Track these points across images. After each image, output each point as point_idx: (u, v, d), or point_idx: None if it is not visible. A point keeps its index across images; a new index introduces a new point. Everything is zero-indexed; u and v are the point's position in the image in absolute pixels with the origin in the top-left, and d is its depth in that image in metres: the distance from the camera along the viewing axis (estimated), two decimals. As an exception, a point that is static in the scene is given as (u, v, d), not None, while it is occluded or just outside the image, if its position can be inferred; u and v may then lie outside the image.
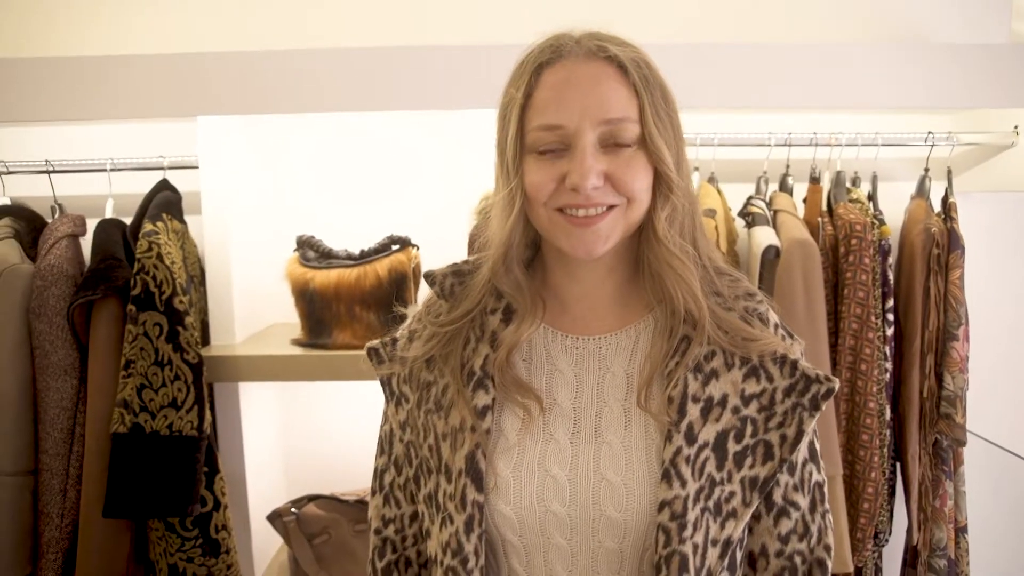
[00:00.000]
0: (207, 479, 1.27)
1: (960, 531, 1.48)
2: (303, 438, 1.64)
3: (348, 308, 1.36)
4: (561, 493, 0.72)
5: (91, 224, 1.34)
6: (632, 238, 0.75)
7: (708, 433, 0.71)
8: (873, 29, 1.50)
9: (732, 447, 0.72)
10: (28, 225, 1.36)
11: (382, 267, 1.36)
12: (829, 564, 0.77)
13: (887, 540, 1.43)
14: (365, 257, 1.38)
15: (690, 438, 0.70)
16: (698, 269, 0.74)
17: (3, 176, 1.39)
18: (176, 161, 1.39)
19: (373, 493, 0.85)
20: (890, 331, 1.38)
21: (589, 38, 0.71)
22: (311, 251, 1.41)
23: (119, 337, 1.24)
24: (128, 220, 1.35)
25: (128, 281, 1.23)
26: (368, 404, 1.09)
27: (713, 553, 0.71)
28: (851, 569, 1.33)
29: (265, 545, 1.53)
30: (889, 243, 1.36)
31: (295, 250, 1.43)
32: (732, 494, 0.71)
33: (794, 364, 0.74)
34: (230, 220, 1.38)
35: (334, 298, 1.36)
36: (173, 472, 1.20)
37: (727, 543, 0.71)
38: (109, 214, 1.37)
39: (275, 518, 1.42)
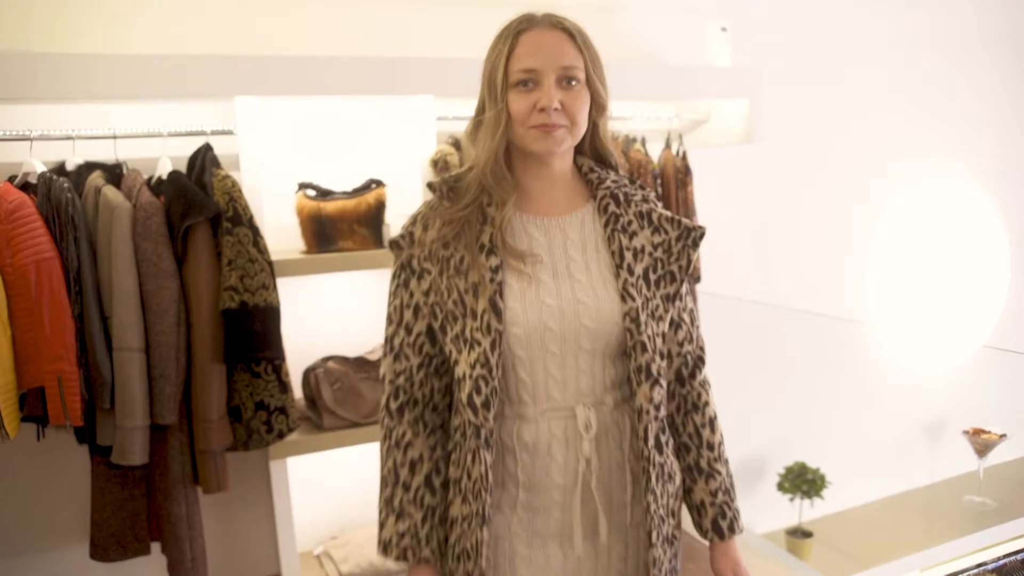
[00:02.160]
0: (277, 339, 1.84)
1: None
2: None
3: (349, 226, 2.01)
4: (554, 314, 1.01)
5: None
6: (570, 155, 1.08)
7: (639, 269, 1.04)
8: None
9: (652, 277, 1.05)
10: (108, 175, 1.81)
11: (371, 197, 2.03)
12: (705, 359, 1.17)
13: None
14: (358, 191, 2.06)
15: (631, 272, 1.03)
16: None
17: (76, 141, 1.77)
18: (216, 129, 1.86)
19: (385, 355, 1.10)
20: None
21: (549, 16, 1.02)
22: (311, 189, 2.00)
23: (213, 247, 1.77)
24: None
25: (214, 208, 1.77)
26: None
27: (657, 341, 1.04)
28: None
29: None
30: (658, 171, 2.38)
31: (298, 191, 1.98)
32: (658, 305, 1.05)
33: (678, 221, 1.09)
34: (260, 174, 1.94)
35: (339, 219, 1.99)
36: (271, 329, 1.77)
37: (661, 335, 1.05)
38: (168, 168, 1.85)
39: (309, 372, 2.02)
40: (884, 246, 3.32)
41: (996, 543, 3.12)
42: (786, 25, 2.88)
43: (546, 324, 1.01)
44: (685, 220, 1.11)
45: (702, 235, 1.10)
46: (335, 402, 2.00)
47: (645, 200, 1.12)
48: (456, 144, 2.13)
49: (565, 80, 1.01)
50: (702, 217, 2.46)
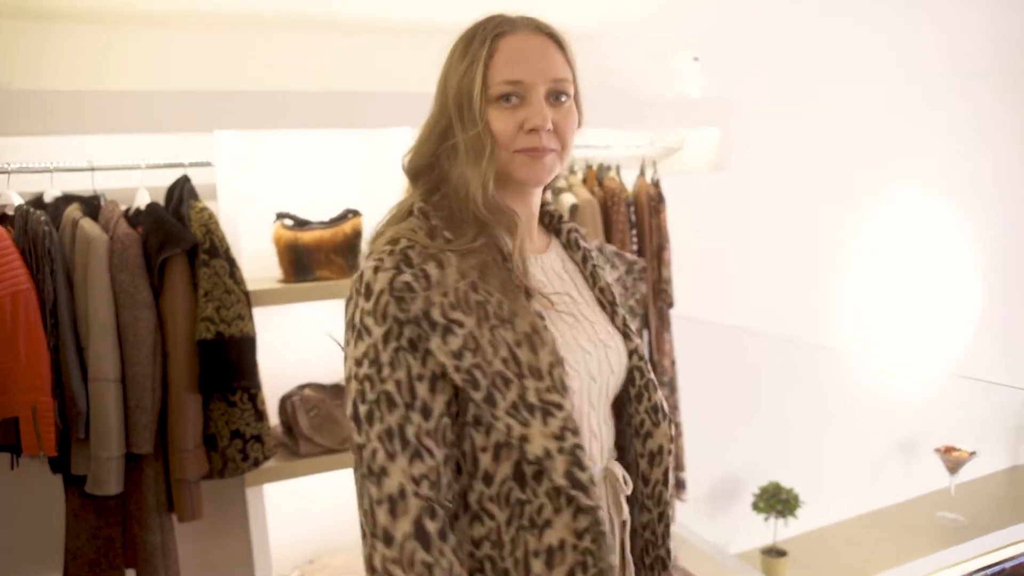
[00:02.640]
0: (253, 368, 1.87)
1: (672, 362, 2.59)
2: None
3: (326, 255, 2.04)
4: (594, 362, 0.88)
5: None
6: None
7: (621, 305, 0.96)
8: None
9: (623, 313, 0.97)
10: (86, 207, 1.84)
11: (348, 227, 2.06)
12: None
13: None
14: (334, 221, 2.09)
15: (621, 307, 0.95)
16: None
17: (53, 173, 1.78)
18: (194, 161, 1.88)
19: (390, 457, 0.76)
20: (617, 247, 2.43)
21: (530, 19, 0.88)
22: (289, 219, 2.02)
23: (190, 279, 1.80)
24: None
25: (191, 240, 1.80)
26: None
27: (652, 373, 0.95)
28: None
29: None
30: (631, 199, 2.43)
31: (276, 221, 2.00)
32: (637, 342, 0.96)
33: (623, 255, 1.05)
34: (237, 204, 1.97)
35: (316, 249, 2.03)
36: (247, 359, 1.79)
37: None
38: (145, 200, 1.88)
39: (285, 399, 2.05)
40: (855, 269, 3.38)
41: (968, 559, 3.18)
42: (755, 54, 2.95)
43: (591, 374, 0.88)
44: (626, 254, 1.06)
45: (643, 268, 1.06)
46: (311, 429, 2.02)
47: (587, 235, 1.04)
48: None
49: (554, 96, 0.87)
50: (676, 243, 2.51)
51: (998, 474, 3.87)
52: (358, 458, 0.79)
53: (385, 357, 0.78)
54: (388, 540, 0.76)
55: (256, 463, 1.86)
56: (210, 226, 1.81)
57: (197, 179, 1.93)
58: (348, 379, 0.81)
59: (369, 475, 0.77)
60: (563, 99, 0.88)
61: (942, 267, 3.62)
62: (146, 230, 1.80)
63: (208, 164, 1.94)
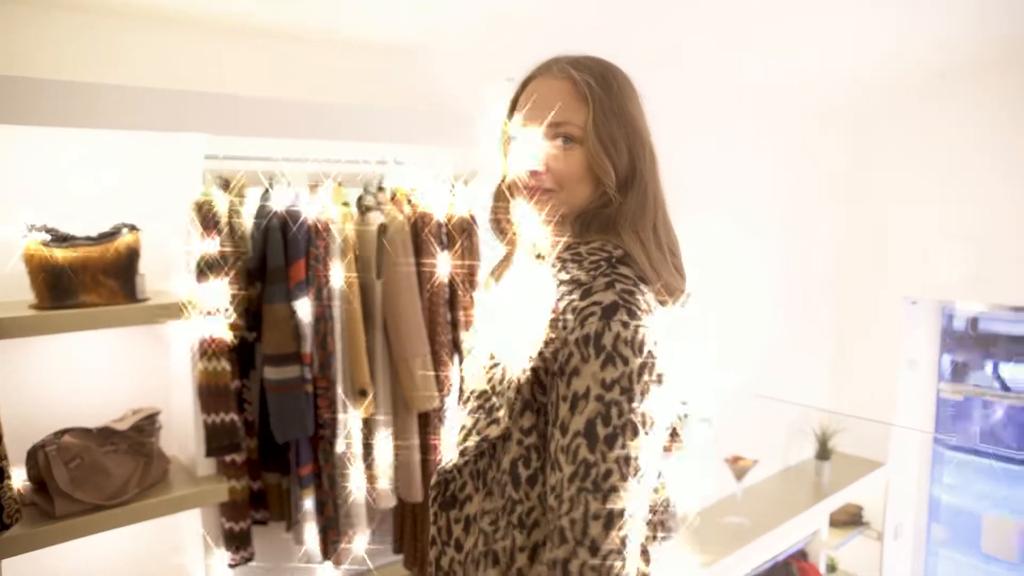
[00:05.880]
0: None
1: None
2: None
3: (93, 276, 1.74)
4: None
5: None
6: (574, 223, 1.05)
7: None
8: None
9: None
10: None
11: (121, 244, 1.77)
12: None
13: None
14: (104, 237, 1.79)
15: None
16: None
17: None
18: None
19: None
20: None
21: (562, 63, 1.03)
22: (44, 233, 1.70)
23: None
24: None
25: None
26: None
27: None
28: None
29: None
30: (444, 221, 2.35)
31: (25, 235, 1.67)
32: None
33: None
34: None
35: (81, 269, 1.71)
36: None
37: None
38: None
39: (37, 450, 1.70)
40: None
41: (752, 558, 3.44)
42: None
43: None
44: None
45: None
46: (72, 484, 1.69)
47: None
48: (225, 185, 1.94)
49: (557, 138, 0.99)
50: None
51: (773, 476, 4.24)
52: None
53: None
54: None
55: (-6, 533, 1.51)
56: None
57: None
58: None
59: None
60: (561, 140, 1.03)
61: (741, 292, 3.82)
62: None
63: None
